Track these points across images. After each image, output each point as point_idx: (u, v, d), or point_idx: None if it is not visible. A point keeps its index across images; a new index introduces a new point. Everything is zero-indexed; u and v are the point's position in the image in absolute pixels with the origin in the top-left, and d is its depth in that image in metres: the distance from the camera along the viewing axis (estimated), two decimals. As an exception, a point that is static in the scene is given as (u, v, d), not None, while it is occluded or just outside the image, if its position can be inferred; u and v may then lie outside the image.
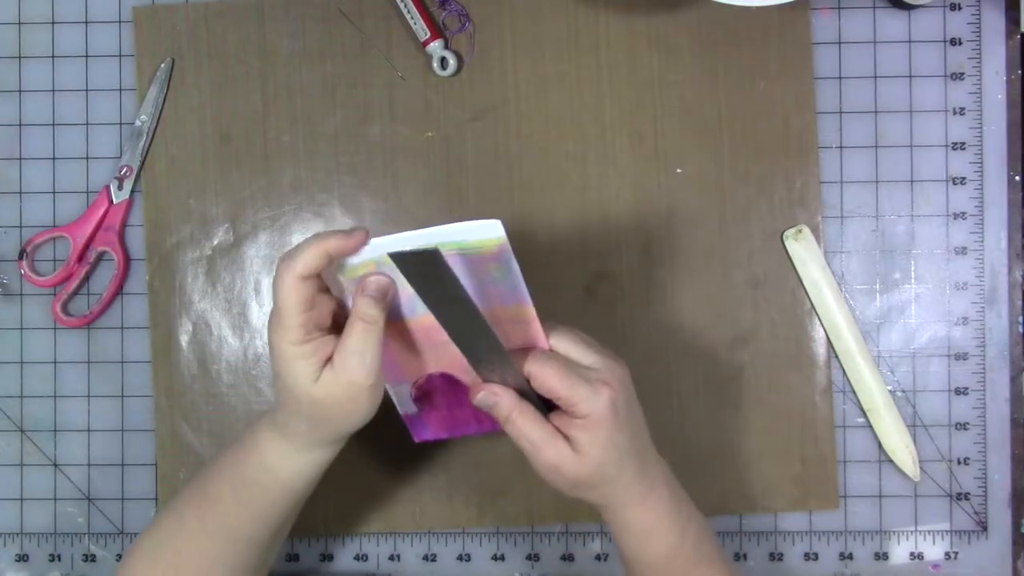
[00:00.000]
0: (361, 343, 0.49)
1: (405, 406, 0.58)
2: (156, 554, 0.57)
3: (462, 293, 0.49)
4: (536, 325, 0.53)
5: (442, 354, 0.55)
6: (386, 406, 0.69)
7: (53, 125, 0.70)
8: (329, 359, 0.50)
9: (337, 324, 0.52)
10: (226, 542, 0.56)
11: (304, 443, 0.53)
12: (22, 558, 0.70)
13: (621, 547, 0.56)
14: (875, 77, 0.69)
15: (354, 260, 0.50)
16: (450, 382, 0.57)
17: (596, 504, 0.54)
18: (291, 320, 0.48)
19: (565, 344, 0.53)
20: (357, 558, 0.70)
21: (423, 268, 0.48)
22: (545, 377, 0.51)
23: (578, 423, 0.51)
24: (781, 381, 0.68)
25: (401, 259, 0.49)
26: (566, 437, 0.51)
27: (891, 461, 0.68)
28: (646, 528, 0.54)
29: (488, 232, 0.49)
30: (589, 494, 0.53)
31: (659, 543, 0.54)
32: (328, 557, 0.70)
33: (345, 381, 0.49)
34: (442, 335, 0.52)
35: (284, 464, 0.54)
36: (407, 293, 0.52)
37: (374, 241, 0.49)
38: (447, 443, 0.68)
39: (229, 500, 0.55)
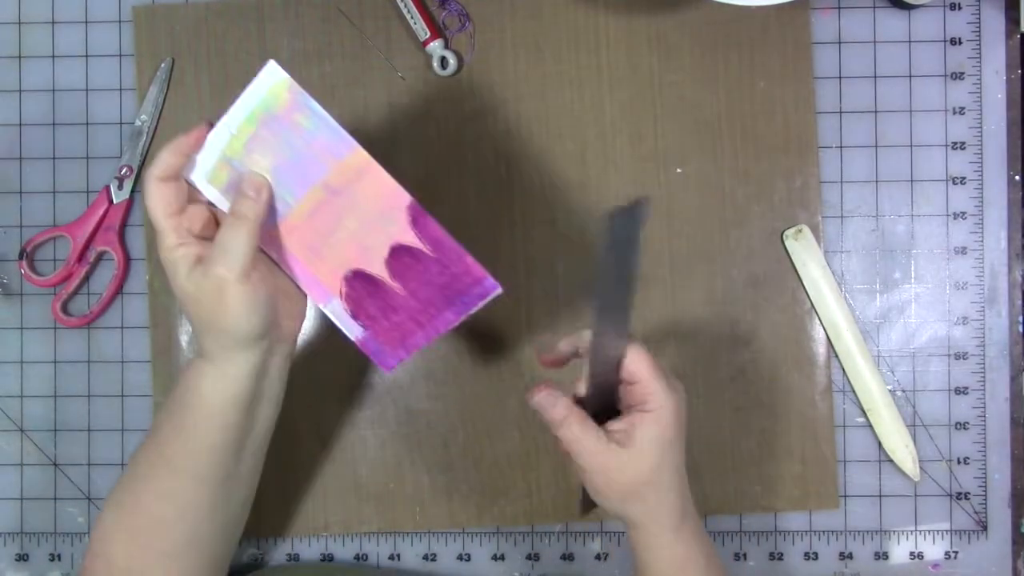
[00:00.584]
0: (230, 238, 0.51)
1: (352, 329, 0.56)
2: (118, 498, 0.57)
3: (635, 250, 0.49)
4: (379, 169, 0.52)
5: (336, 248, 0.55)
6: (382, 404, 0.69)
7: (53, 125, 0.70)
8: (199, 259, 0.52)
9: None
10: (169, 475, 0.56)
11: (207, 354, 0.54)
12: (22, 558, 0.70)
13: (645, 571, 0.55)
14: (875, 77, 0.69)
15: (210, 162, 0.53)
16: (368, 281, 0.55)
17: (635, 522, 0.53)
18: (160, 224, 0.51)
19: (648, 353, 0.53)
20: (357, 558, 0.70)
21: (632, 218, 0.48)
22: (641, 362, 0.51)
23: (644, 416, 0.51)
24: (781, 381, 0.68)
25: (617, 217, 0.48)
26: (618, 443, 0.51)
27: (891, 461, 0.68)
28: (679, 558, 0.53)
29: (269, 79, 0.51)
30: (634, 506, 0.53)
31: (689, 572, 0.54)
32: (328, 557, 0.70)
33: (213, 274, 0.50)
34: (326, 225, 0.54)
35: (203, 381, 0.54)
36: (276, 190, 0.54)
37: (210, 137, 0.53)
38: (447, 443, 0.68)
39: (165, 428, 0.56)
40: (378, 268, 0.55)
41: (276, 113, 0.52)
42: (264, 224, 0.53)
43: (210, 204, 0.55)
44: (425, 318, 0.55)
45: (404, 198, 0.53)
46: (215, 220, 0.55)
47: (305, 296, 0.57)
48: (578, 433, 0.51)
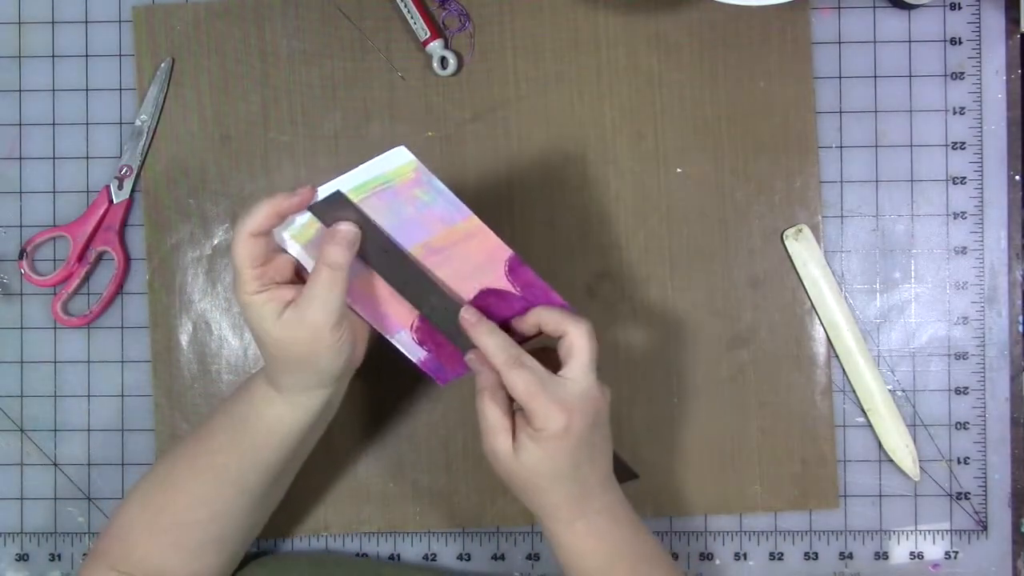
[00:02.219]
0: (323, 287, 0.51)
1: (415, 353, 0.58)
2: (147, 496, 0.58)
3: (382, 233, 0.53)
4: (488, 231, 0.54)
5: None
6: (382, 404, 0.69)
7: (53, 125, 0.70)
8: (291, 302, 0.52)
9: (301, 279, 0.54)
10: (213, 482, 0.57)
11: (284, 388, 0.55)
12: (22, 558, 0.70)
13: (554, 558, 0.57)
14: (875, 77, 0.69)
15: (301, 221, 0.53)
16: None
17: (524, 503, 0.56)
18: (245, 273, 0.51)
19: (573, 339, 0.54)
20: (357, 557, 0.69)
21: (337, 213, 0.52)
22: (515, 384, 0.52)
23: (529, 431, 0.53)
24: (781, 381, 0.68)
25: (316, 210, 0.52)
26: (515, 434, 0.54)
27: (891, 461, 0.68)
28: (572, 547, 0.56)
29: (398, 159, 0.52)
30: (519, 494, 0.56)
31: (585, 567, 0.56)
32: (328, 557, 0.70)
33: (308, 322, 0.51)
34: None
35: (269, 408, 0.55)
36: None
37: (317, 195, 0.53)
38: (447, 443, 0.68)
39: (220, 438, 0.57)
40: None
41: (394, 187, 0.53)
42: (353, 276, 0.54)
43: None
44: None
45: (506, 252, 0.55)
46: (294, 267, 0.54)
47: (368, 329, 0.58)
48: (487, 407, 0.54)
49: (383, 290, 0.56)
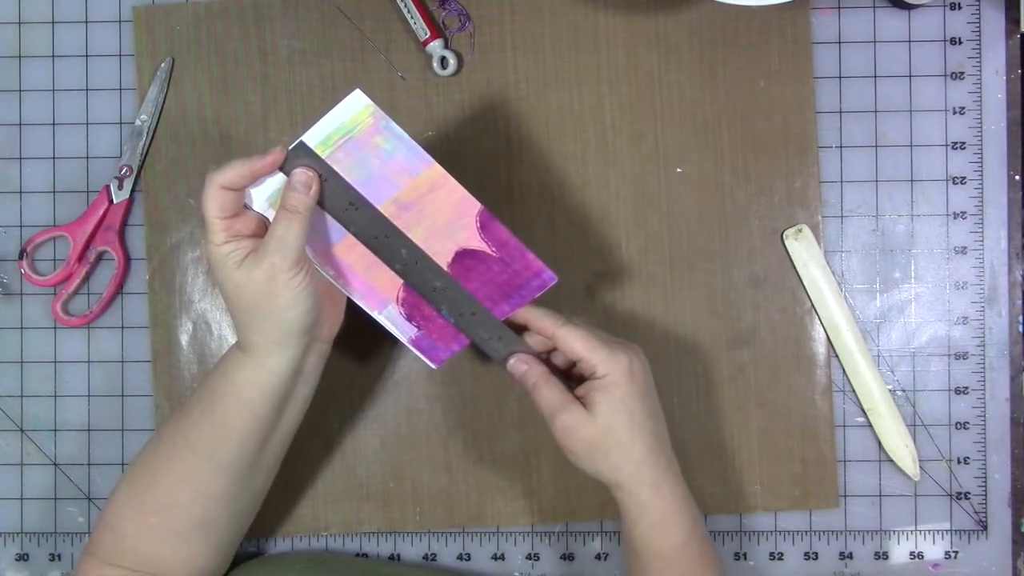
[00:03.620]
0: (282, 229, 0.52)
1: (405, 330, 0.58)
2: (134, 480, 0.59)
3: (349, 187, 0.54)
4: (452, 181, 0.55)
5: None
6: (382, 404, 0.69)
7: (53, 125, 0.70)
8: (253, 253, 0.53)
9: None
10: (191, 458, 0.57)
11: (249, 346, 0.55)
12: (22, 558, 0.70)
13: (632, 535, 0.57)
14: (875, 77, 0.69)
15: (275, 186, 0.54)
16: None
17: (611, 482, 0.56)
18: (214, 224, 0.53)
19: (582, 329, 0.56)
20: (357, 557, 0.69)
21: (304, 164, 0.54)
22: (569, 339, 0.55)
23: (596, 383, 0.55)
24: (781, 381, 0.68)
25: (286, 168, 0.54)
26: (584, 403, 0.55)
27: (891, 461, 0.68)
28: (660, 516, 0.56)
29: (355, 105, 0.53)
30: (603, 464, 0.55)
31: (671, 535, 0.56)
32: (328, 557, 0.70)
33: (265, 263, 0.52)
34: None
35: (239, 372, 0.56)
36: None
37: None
38: (447, 443, 0.68)
39: (194, 412, 0.57)
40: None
41: (355, 137, 0.54)
42: (324, 242, 0.56)
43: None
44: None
45: (475, 206, 0.56)
46: (264, 227, 0.55)
47: (345, 299, 0.59)
48: (546, 395, 0.56)
49: (364, 258, 0.56)
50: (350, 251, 0.56)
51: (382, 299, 0.57)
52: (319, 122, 0.53)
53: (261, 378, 0.55)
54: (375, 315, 0.58)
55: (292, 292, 0.53)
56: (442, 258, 0.57)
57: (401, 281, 0.57)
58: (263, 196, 0.55)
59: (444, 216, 0.56)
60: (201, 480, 0.57)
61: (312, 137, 0.54)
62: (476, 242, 0.56)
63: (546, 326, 0.56)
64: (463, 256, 0.57)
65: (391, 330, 0.58)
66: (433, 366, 0.59)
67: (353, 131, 0.54)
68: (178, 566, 0.58)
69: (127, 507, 0.58)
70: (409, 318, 0.58)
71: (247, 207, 0.55)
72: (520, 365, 0.57)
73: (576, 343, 0.55)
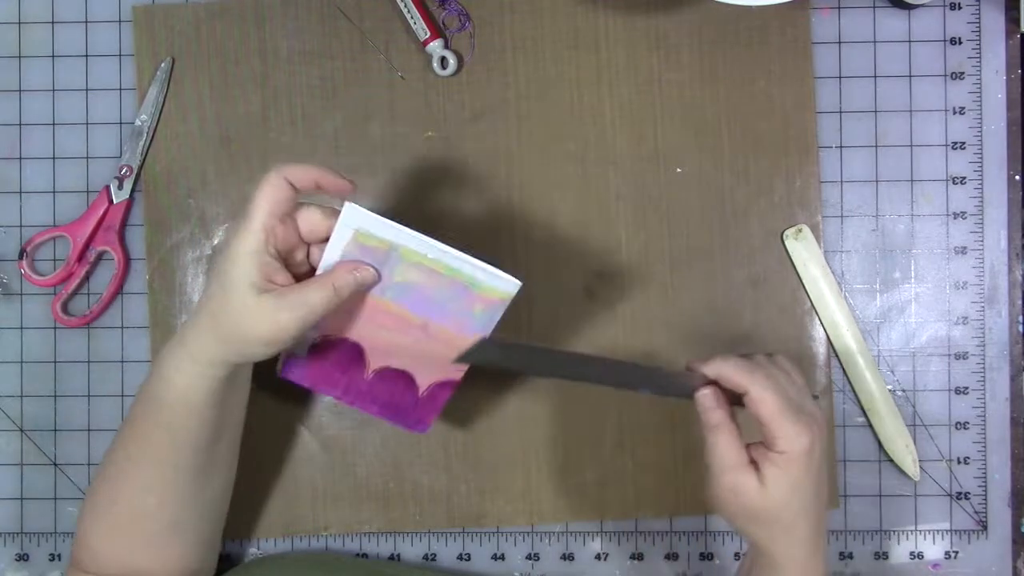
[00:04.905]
0: (314, 299, 0.51)
1: (298, 348, 0.59)
2: (96, 495, 0.58)
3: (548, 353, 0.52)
4: (461, 370, 0.58)
5: (373, 334, 0.57)
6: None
7: (53, 125, 0.70)
8: (278, 288, 0.51)
9: (293, 265, 0.54)
10: (151, 466, 0.56)
11: (203, 356, 0.53)
12: (22, 558, 0.70)
13: None
14: (875, 77, 0.69)
15: (374, 230, 0.52)
16: (356, 353, 0.59)
17: (762, 548, 0.53)
18: (257, 221, 0.50)
19: (786, 368, 0.54)
20: (357, 557, 0.69)
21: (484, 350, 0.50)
22: (762, 404, 0.51)
23: (773, 456, 0.51)
24: (781, 381, 0.68)
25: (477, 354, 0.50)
26: (757, 467, 0.52)
27: (891, 461, 0.68)
28: None
29: (504, 287, 0.53)
30: (759, 531, 0.53)
31: None
32: (328, 557, 0.70)
33: (278, 315, 0.50)
34: (390, 323, 0.56)
35: (178, 377, 0.54)
36: (386, 279, 0.54)
37: (399, 227, 0.52)
38: (447, 443, 0.68)
39: (140, 422, 0.57)
40: (374, 360, 0.59)
41: (472, 293, 0.53)
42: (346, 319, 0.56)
43: (309, 243, 0.54)
44: (355, 393, 0.60)
45: (458, 375, 0.59)
46: (297, 245, 0.54)
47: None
48: (724, 446, 0.52)
49: (348, 306, 0.56)
50: (371, 308, 0.56)
51: (319, 329, 0.58)
52: (470, 259, 0.52)
53: (204, 385, 0.54)
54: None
55: (277, 343, 0.52)
56: (382, 362, 0.59)
57: (344, 336, 0.58)
58: (353, 223, 0.52)
59: (429, 356, 0.57)
60: (162, 485, 0.57)
61: (442, 251, 0.52)
62: (424, 383, 0.60)
63: (740, 383, 0.52)
64: (392, 373, 0.59)
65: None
66: (279, 374, 0.60)
67: (472, 287, 0.53)
68: (159, 569, 0.58)
69: (95, 523, 0.58)
70: (312, 347, 0.58)
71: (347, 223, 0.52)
72: (712, 400, 0.53)
73: (764, 408, 0.51)
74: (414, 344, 0.57)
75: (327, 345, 0.58)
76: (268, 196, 0.50)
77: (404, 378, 0.60)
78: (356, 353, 0.59)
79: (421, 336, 0.56)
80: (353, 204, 0.51)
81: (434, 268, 0.53)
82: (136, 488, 0.57)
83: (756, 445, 0.53)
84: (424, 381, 0.60)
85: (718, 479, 0.52)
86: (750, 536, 0.54)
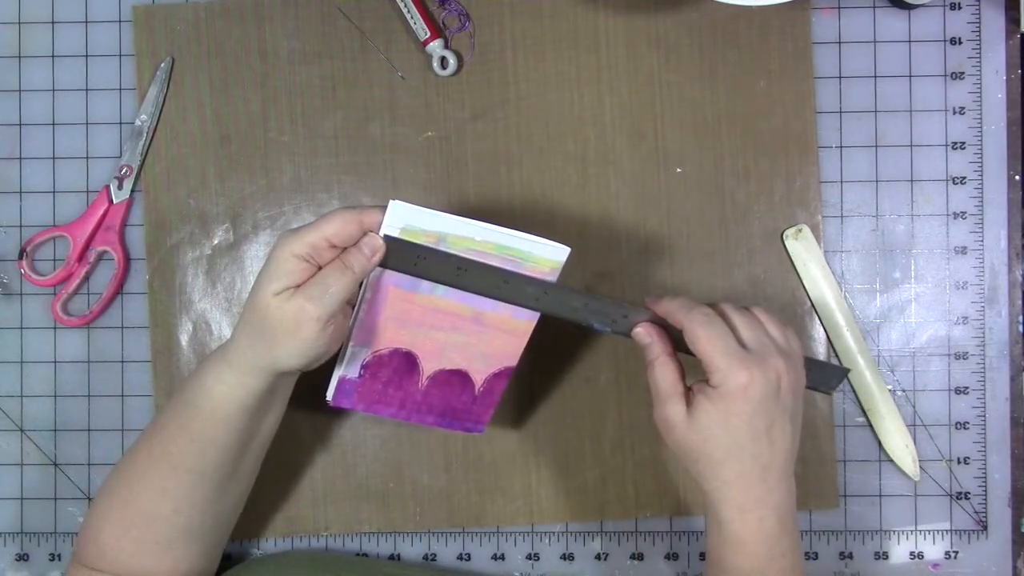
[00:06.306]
0: (330, 280, 0.52)
1: (350, 369, 0.58)
2: (112, 493, 0.58)
3: (451, 255, 0.53)
4: (522, 343, 0.58)
5: (424, 337, 0.57)
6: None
7: (53, 125, 0.70)
8: (300, 285, 0.52)
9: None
10: (171, 471, 0.57)
11: (240, 362, 0.54)
12: (22, 558, 0.70)
13: (706, 539, 0.56)
14: (875, 77, 0.69)
15: (420, 224, 0.53)
16: (409, 363, 0.58)
17: (698, 481, 0.55)
18: (312, 235, 0.52)
19: (761, 318, 0.55)
20: (357, 557, 0.69)
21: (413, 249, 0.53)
22: (696, 340, 0.52)
23: (706, 389, 0.53)
24: (781, 381, 0.68)
25: (398, 236, 0.53)
26: (691, 402, 0.53)
27: (891, 461, 0.68)
28: (736, 538, 0.53)
29: (554, 255, 0.53)
30: (691, 467, 0.54)
31: (744, 558, 0.53)
32: (328, 557, 0.70)
33: (299, 304, 0.51)
34: (441, 322, 0.56)
35: (218, 386, 0.55)
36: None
37: (444, 214, 0.53)
38: (447, 443, 0.68)
39: (171, 426, 0.57)
40: (428, 366, 0.58)
41: (524, 268, 0.54)
42: (397, 284, 0.55)
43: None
44: (412, 407, 0.60)
45: (512, 362, 0.58)
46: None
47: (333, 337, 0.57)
48: (659, 377, 0.54)
49: (398, 312, 0.56)
50: (407, 302, 0.56)
51: (368, 343, 0.57)
52: (517, 233, 0.53)
53: (240, 395, 0.55)
54: (351, 344, 0.57)
55: (310, 342, 0.52)
56: (440, 364, 0.58)
57: (394, 347, 0.57)
58: (401, 220, 0.53)
59: (490, 351, 0.58)
60: (181, 491, 0.57)
61: (492, 232, 0.53)
62: (479, 378, 0.59)
63: (678, 320, 0.54)
64: (455, 374, 0.59)
65: (345, 357, 0.58)
66: (331, 403, 0.59)
67: (524, 262, 0.54)
68: (164, 572, 0.58)
69: (107, 520, 0.58)
70: (364, 366, 0.58)
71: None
72: (645, 336, 0.55)
73: (699, 344, 0.52)
74: (468, 338, 0.57)
75: (377, 363, 0.58)
76: (336, 224, 0.52)
77: (459, 377, 0.59)
78: (410, 363, 0.58)
79: (474, 328, 0.56)
80: (398, 201, 0.52)
81: (483, 250, 0.54)
82: (153, 491, 0.57)
83: (699, 381, 0.54)
84: (479, 376, 0.59)
85: (655, 412, 0.54)
86: (692, 474, 0.55)
